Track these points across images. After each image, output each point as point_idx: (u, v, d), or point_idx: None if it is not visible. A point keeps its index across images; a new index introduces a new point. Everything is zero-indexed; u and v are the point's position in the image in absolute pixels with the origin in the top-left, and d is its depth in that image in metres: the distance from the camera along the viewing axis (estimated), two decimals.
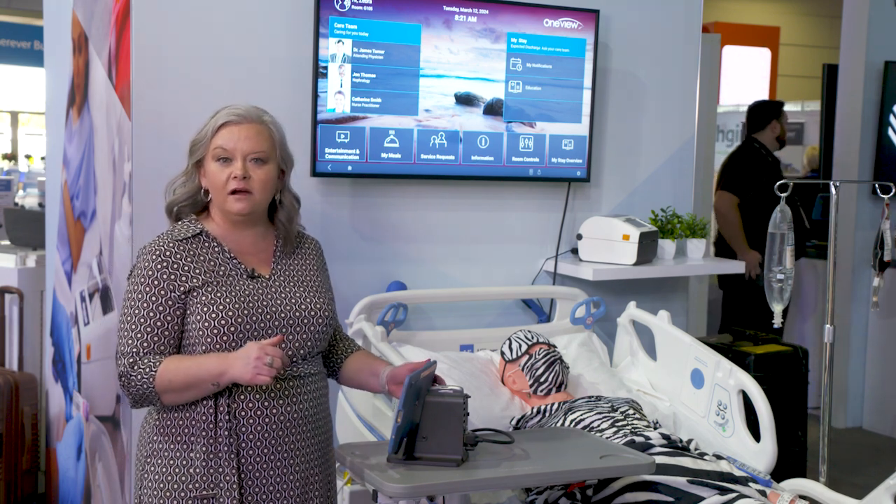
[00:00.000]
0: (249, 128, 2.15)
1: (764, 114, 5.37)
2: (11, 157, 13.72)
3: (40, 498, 4.09)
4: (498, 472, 2.16)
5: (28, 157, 13.44)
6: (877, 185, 3.61)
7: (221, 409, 2.07)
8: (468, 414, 2.22)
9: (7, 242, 4.74)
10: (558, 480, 2.39)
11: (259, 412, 2.09)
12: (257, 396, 2.09)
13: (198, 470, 2.07)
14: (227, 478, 2.07)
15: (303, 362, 2.17)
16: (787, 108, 11.13)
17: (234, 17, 3.15)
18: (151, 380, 2.04)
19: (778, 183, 3.43)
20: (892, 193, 3.48)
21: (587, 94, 3.60)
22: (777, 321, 3.48)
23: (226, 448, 2.07)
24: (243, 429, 2.08)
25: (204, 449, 2.07)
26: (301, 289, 2.20)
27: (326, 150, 3.23)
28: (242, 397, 2.08)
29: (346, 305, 3.14)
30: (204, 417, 2.07)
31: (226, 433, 2.07)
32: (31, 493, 4.05)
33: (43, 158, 6.96)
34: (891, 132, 5.68)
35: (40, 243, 4.24)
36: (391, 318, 3.18)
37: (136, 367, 2.05)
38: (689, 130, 3.99)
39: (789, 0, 14.19)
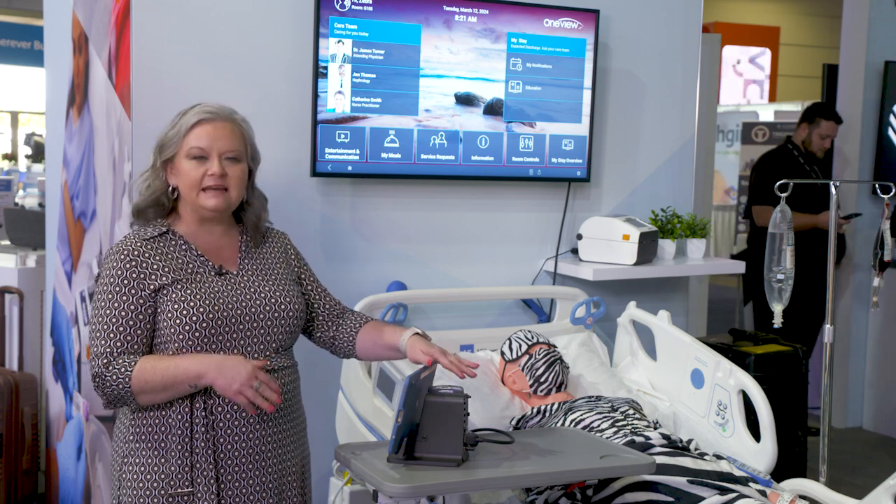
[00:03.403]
0: (224, 126, 2.16)
1: (802, 115, 5.35)
2: (11, 157, 13.71)
3: (40, 498, 4.09)
4: (498, 472, 2.16)
5: (28, 156, 13.42)
6: (877, 185, 3.61)
7: (198, 406, 2.09)
8: (468, 414, 2.22)
9: (7, 242, 4.73)
10: (558, 480, 2.39)
11: (236, 407, 2.11)
12: None
13: (174, 468, 2.08)
14: (205, 473, 2.09)
15: (276, 356, 2.18)
16: (787, 107, 11.15)
17: (234, 17, 3.15)
18: (127, 380, 2.03)
19: (778, 183, 3.43)
20: (892, 193, 3.48)
21: (587, 94, 3.60)
22: (777, 321, 3.48)
23: (202, 444, 2.08)
24: (220, 424, 2.10)
25: (180, 447, 2.08)
26: (268, 283, 2.21)
27: (326, 150, 3.23)
28: (218, 393, 2.09)
29: (347, 305, 3.14)
30: (180, 416, 2.09)
31: (202, 430, 2.08)
32: (31, 493, 4.05)
33: (43, 159, 6.96)
34: (891, 132, 5.67)
35: (40, 243, 4.23)
36: (391, 318, 3.19)
37: (110, 368, 2.04)
38: (689, 130, 3.99)
39: (789, 0, 14.19)
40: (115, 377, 2.03)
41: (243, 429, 2.12)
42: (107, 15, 3.20)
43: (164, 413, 2.10)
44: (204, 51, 3.11)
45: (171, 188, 2.18)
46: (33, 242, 4.46)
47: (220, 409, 2.10)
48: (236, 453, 2.12)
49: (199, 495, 2.09)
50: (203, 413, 2.09)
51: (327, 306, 2.38)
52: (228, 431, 2.11)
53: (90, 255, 3.42)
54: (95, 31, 3.33)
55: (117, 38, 3.11)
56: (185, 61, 3.09)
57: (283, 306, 2.20)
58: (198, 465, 2.09)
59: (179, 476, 2.08)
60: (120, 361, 2.04)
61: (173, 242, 2.16)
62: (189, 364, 2.03)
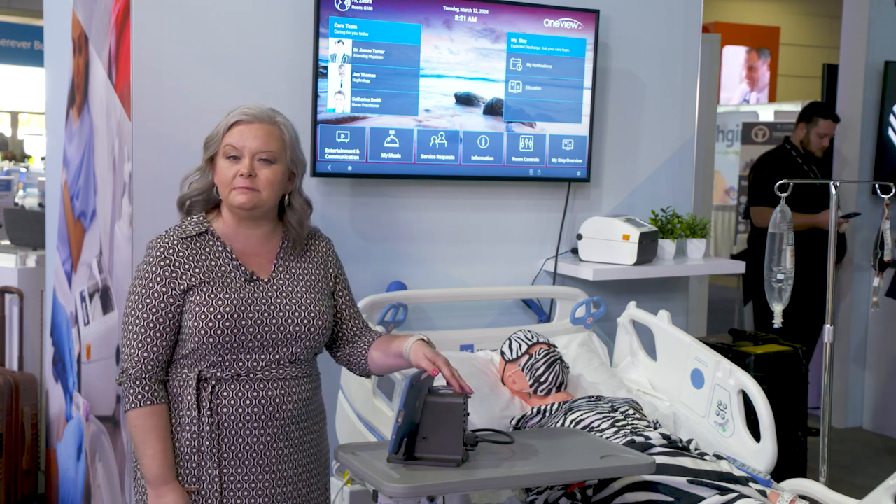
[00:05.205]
0: (260, 127, 2.17)
1: (800, 115, 5.36)
2: (12, 157, 13.71)
3: (40, 498, 4.09)
4: (498, 472, 2.16)
5: (28, 157, 13.43)
6: (877, 185, 3.62)
7: (204, 404, 2.10)
8: (468, 414, 2.22)
9: (7, 242, 4.73)
10: (558, 480, 2.39)
11: (241, 409, 2.12)
12: (240, 395, 2.12)
13: (182, 464, 2.12)
14: (210, 472, 2.11)
15: (290, 365, 2.18)
16: (787, 107, 11.12)
17: (234, 17, 3.15)
18: (125, 409, 2.12)
19: (778, 183, 3.43)
20: (892, 193, 3.48)
21: (587, 94, 3.60)
22: (777, 321, 3.48)
23: (208, 443, 2.10)
24: (225, 424, 2.12)
25: (188, 443, 2.11)
26: (298, 294, 2.21)
27: (326, 150, 3.23)
28: (225, 394, 2.12)
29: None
30: (188, 412, 2.11)
31: (207, 428, 2.10)
32: (31, 493, 4.05)
33: (43, 158, 6.96)
34: (891, 132, 5.67)
35: (40, 243, 4.24)
36: (391, 318, 3.18)
37: (124, 386, 2.12)
38: (689, 130, 3.99)
39: (789, 0, 14.19)
40: (124, 395, 2.12)
41: (248, 431, 2.13)
42: (107, 15, 3.20)
43: (176, 409, 2.13)
44: (204, 51, 3.11)
45: (215, 187, 2.21)
46: (33, 242, 4.46)
47: (225, 409, 2.11)
48: (240, 454, 2.12)
49: (204, 493, 2.11)
50: (209, 412, 2.10)
51: (353, 325, 2.38)
52: (234, 433, 2.12)
53: (90, 255, 3.42)
54: (95, 31, 3.33)
55: (117, 38, 3.11)
56: (185, 61, 3.09)
57: (306, 320, 2.19)
58: (203, 464, 2.11)
59: (188, 472, 2.11)
60: (133, 388, 2.10)
61: (210, 243, 2.18)
62: (155, 465, 2.09)
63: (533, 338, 3.05)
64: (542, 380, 2.94)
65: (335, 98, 3.22)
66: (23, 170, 10.21)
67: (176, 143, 3.01)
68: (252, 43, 3.18)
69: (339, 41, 3.20)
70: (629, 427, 2.66)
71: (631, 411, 2.78)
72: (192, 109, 3.05)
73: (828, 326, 3.52)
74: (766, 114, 10.73)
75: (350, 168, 3.27)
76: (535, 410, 2.84)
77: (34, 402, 4.05)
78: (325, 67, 3.19)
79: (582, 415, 2.75)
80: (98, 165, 3.35)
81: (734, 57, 12.97)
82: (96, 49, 3.32)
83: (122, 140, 3.11)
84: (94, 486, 3.45)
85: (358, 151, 3.27)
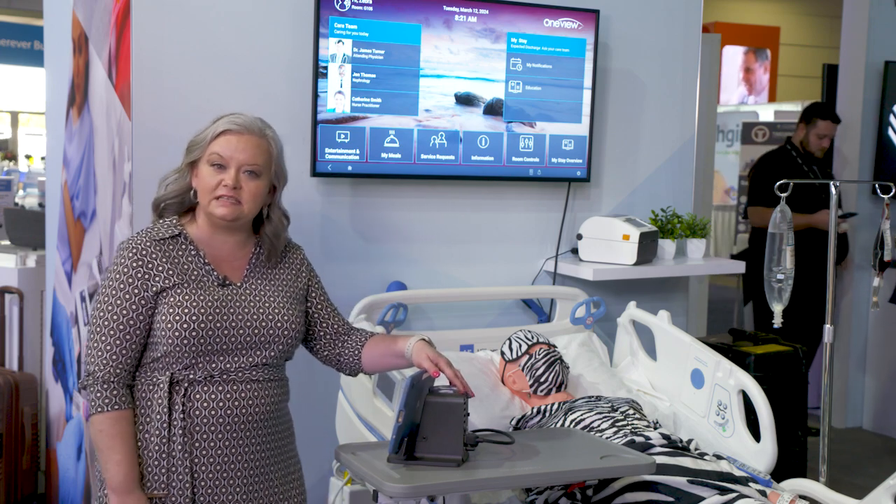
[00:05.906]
0: (249, 139, 2.15)
1: (801, 115, 5.36)
2: (11, 157, 13.71)
3: (40, 498, 4.09)
4: (498, 472, 2.16)
5: (28, 157, 13.43)
6: (877, 185, 3.62)
7: (176, 408, 2.08)
8: (469, 414, 2.22)
9: (7, 242, 4.73)
10: (558, 480, 2.39)
11: (214, 411, 2.10)
12: (213, 396, 2.11)
13: (151, 469, 2.09)
14: (181, 478, 2.08)
15: (263, 367, 2.17)
16: (787, 108, 11.11)
17: (234, 17, 3.15)
18: (91, 412, 2.08)
19: (778, 183, 3.43)
20: (892, 193, 3.48)
21: (587, 94, 3.61)
22: (777, 321, 3.48)
23: (179, 448, 2.08)
24: (197, 428, 2.09)
25: (157, 448, 2.08)
26: (270, 300, 2.20)
27: (326, 150, 3.23)
28: (198, 397, 2.10)
29: (346, 305, 3.14)
30: (158, 416, 2.08)
31: (180, 432, 2.08)
32: (31, 493, 4.05)
33: (43, 158, 6.97)
34: (891, 132, 5.67)
35: (40, 243, 4.24)
36: (391, 318, 3.19)
37: (89, 389, 2.08)
38: (689, 130, 3.99)
39: (789, 0, 14.19)
40: (89, 399, 2.07)
41: (220, 435, 2.11)
42: (107, 15, 3.20)
43: (143, 412, 2.10)
44: (204, 51, 3.11)
45: (193, 190, 2.19)
46: (33, 242, 4.46)
47: (198, 412, 2.09)
48: (211, 459, 2.10)
49: (173, 499, 2.08)
50: (181, 416, 2.08)
51: (334, 325, 2.36)
52: (205, 437, 2.10)
53: (90, 255, 3.42)
54: (95, 31, 3.33)
55: (117, 38, 3.12)
56: (185, 61, 3.09)
57: (279, 324, 2.18)
58: (174, 469, 2.08)
59: (157, 478, 2.08)
60: (97, 391, 2.06)
61: (183, 247, 2.16)
62: (121, 472, 2.05)
63: (533, 338, 3.05)
64: (542, 380, 2.94)
65: (335, 98, 3.22)
66: (24, 170, 10.21)
67: (176, 143, 2.99)
68: (252, 43, 3.18)
69: (339, 41, 3.20)
70: (629, 427, 2.66)
71: (631, 411, 2.78)
72: (192, 109, 3.05)
73: (828, 326, 3.52)
74: (766, 114, 10.73)
75: (350, 168, 3.27)
76: (535, 410, 2.84)
77: (34, 402, 4.05)
78: (325, 67, 3.19)
79: (582, 415, 2.75)
80: (98, 165, 3.35)
81: (732, 58, 12.98)
82: (96, 49, 3.32)
83: (122, 140, 3.11)
84: (93, 485, 3.45)
85: (358, 151, 3.28)
